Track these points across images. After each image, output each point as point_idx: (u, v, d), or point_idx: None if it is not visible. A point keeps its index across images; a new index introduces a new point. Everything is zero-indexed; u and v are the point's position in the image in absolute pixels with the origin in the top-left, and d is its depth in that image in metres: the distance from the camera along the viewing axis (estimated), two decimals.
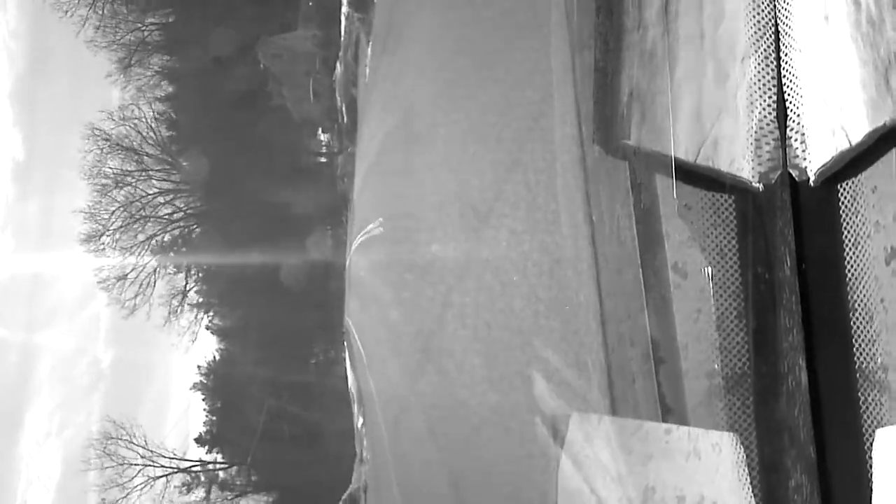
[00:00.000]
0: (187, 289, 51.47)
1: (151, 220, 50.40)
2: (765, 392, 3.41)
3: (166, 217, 51.23)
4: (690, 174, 3.74)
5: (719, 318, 3.54)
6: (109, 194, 48.09)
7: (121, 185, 48.28)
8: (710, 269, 3.70)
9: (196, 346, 52.37)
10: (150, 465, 46.40)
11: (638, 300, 3.96)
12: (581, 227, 5.25)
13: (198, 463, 48.44)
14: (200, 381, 53.05)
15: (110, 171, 47.87)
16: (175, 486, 46.74)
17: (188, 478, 48.05)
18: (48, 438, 54.89)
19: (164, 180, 51.53)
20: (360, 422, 20.66)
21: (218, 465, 49.53)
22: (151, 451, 47.24)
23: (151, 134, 49.23)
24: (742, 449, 3.35)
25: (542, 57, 6.45)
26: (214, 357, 53.78)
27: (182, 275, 51.14)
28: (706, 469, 3.43)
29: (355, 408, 21.41)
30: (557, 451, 4.18)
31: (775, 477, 3.30)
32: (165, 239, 51.41)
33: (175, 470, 47.47)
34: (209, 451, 50.40)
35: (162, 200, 50.79)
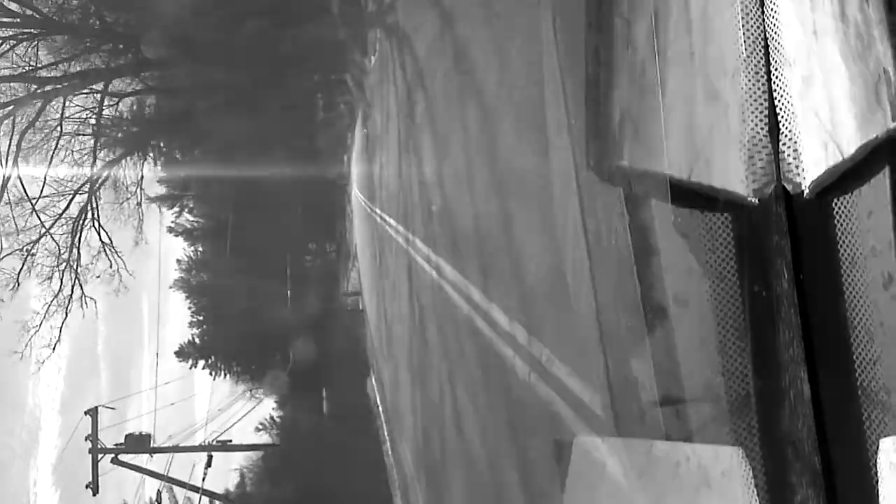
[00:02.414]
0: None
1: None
2: (768, 409, 3.42)
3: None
4: (684, 193, 3.76)
5: (721, 342, 3.55)
6: None
7: None
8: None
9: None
10: None
11: (639, 330, 3.98)
12: (579, 237, 5.27)
13: None
14: (181, 277, 45.82)
15: None
16: None
17: None
18: (54, 319, 50.59)
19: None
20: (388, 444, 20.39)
21: None
22: None
23: None
24: (749, 467, 3.37)
25: (535, 72, 6.48)
26: (194, 254, 45.53)
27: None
28: (718, 498, 3.45)
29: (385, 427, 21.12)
30: (563, 474, 4.20)
31: (781, 494, 3.32)
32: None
33: None
34: (194, 364, 43.38)
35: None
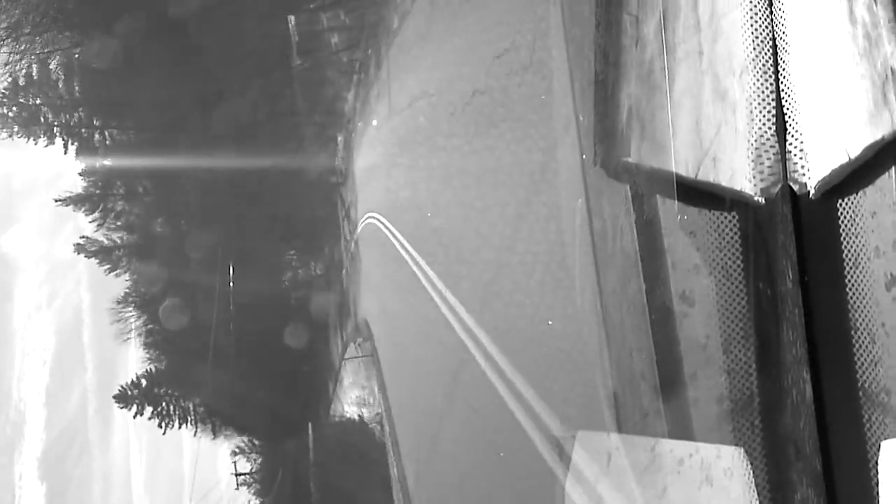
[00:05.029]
0: None
1: None
2: (771, 408, 3.43)
3: None
4: (691, 191, 3.76)
5: (726, 341, 3.56)
6: None
7: None
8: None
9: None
10: None
11: (643, 328, 3.98)
12: (583, 236, 5.28)
13: None
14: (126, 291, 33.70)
15: None
16: None
17: None
18: (39, 311, 50.86)
19: None
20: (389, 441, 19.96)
21: None
22: None
23: None
24: (750, 466, 3.37)
25: (540, 72, 6.48)
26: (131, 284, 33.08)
27: None
28: (719, 496, 3.46)
29: (386, 430, 20.30)
30: (563, 471, 4.21)
31: (782, 493, 3.32)
32: None
33: None
34: (139, 412, 33.52)
35: None
